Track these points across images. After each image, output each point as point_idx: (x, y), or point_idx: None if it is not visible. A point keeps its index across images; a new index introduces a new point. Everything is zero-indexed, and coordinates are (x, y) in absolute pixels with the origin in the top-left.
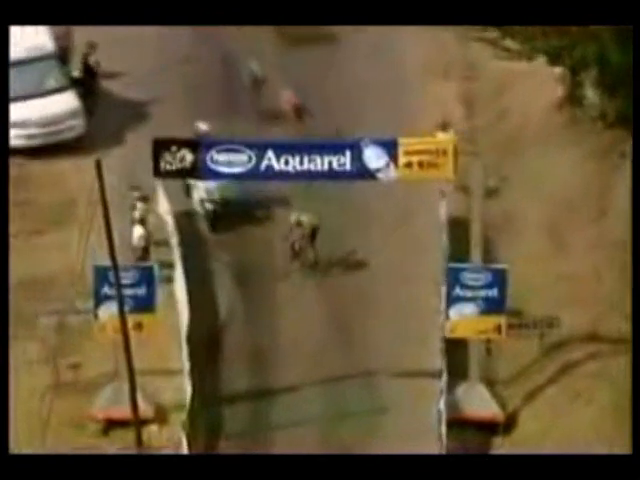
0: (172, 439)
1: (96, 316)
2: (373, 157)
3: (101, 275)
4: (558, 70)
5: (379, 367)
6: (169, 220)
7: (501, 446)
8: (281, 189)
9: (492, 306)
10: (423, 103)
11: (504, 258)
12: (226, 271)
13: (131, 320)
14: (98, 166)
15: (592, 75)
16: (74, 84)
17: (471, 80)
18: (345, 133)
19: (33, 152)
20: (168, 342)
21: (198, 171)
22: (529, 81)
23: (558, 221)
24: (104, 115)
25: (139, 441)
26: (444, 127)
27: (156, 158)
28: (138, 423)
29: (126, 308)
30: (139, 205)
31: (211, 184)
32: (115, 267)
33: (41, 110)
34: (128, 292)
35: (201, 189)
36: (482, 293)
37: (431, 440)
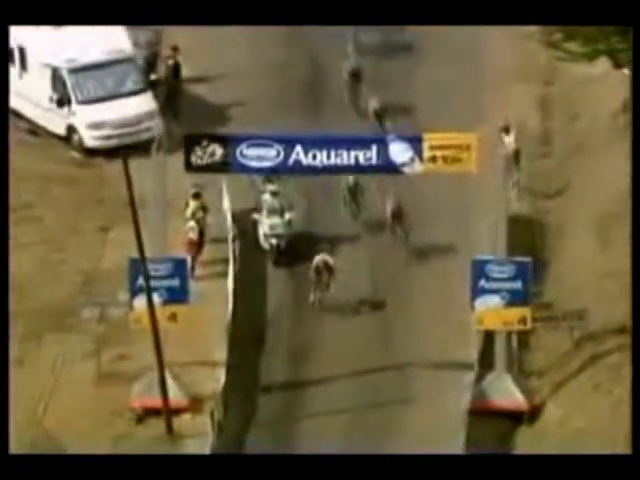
0: (204, 428)
1: (131, 307)
2: (399, 152)
3: (135, 268)
4: (627, 72)
5: (411, 359)
6: (228, 217)
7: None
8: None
9: (517, 298)
10: (500, 105)
11: (555, 256)
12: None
13: (165, 311)
14: (125, 163)
15: None
16: (153, 86)
17: (548, 84)
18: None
19: (109, 153)
20: (211, 334)
21: (228, 165)
22: (601, 84)
23: (611, 221)
24: (187, 116)
25: (169, 429)
26: (506, 130)
27: (187, 152)
28: (169, 412)
29: (160, 299)
30: (191, 202)
31: (276, 220)
32: (143, 259)
33: (118, 112)
34: (163, 284)
35: (265, 224)
36: (507, 285)
37: (457, 431)
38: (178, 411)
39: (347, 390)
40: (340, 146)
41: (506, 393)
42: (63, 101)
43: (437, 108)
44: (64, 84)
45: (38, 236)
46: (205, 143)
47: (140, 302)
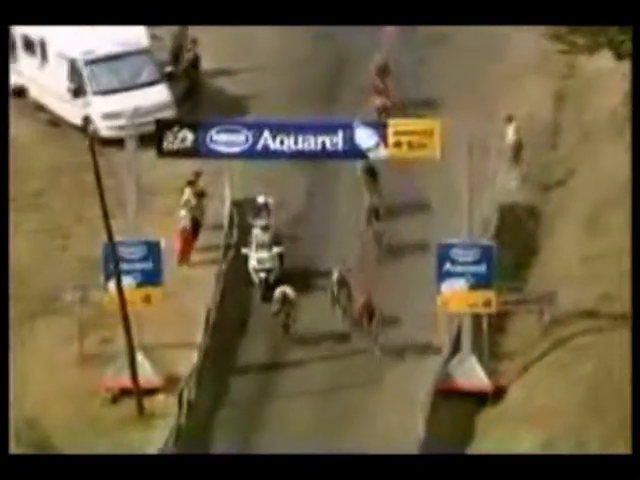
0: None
1: (106, 290)
2: (364, 137)
3: (108, 251)
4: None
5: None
6: (226, 205)
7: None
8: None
9: (481, 281)
10: (517, 97)
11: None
12: None
13: (139, 293)
14: (91, 144)
15: None
16: (170, 78)
17: (565, 77)
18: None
19: (121, 142)
20: (189, 317)
21: (198, 151)
22: (611, 78)
23: (602, 210)
24: (206, 107)
25: (140, 409)
26: (509, 120)
27: (159, 138)
28: (139, 392)
29: (134, 282)
30: (186, 190)
31: (264, 254)
32: (112, 243)
33: (133, 102)
34: (136, 267)
35: (254, 258)
36: (472, 269)
37: (420, 412)
38: (152, 391)
39: (317, 373)
40: (307, 132)
41: (471, 374)
42: (79, 92)
43: (456, 96)
44: (80, 75)
45: (42, 225)
46: (176, 129)
47: (113, 285)
